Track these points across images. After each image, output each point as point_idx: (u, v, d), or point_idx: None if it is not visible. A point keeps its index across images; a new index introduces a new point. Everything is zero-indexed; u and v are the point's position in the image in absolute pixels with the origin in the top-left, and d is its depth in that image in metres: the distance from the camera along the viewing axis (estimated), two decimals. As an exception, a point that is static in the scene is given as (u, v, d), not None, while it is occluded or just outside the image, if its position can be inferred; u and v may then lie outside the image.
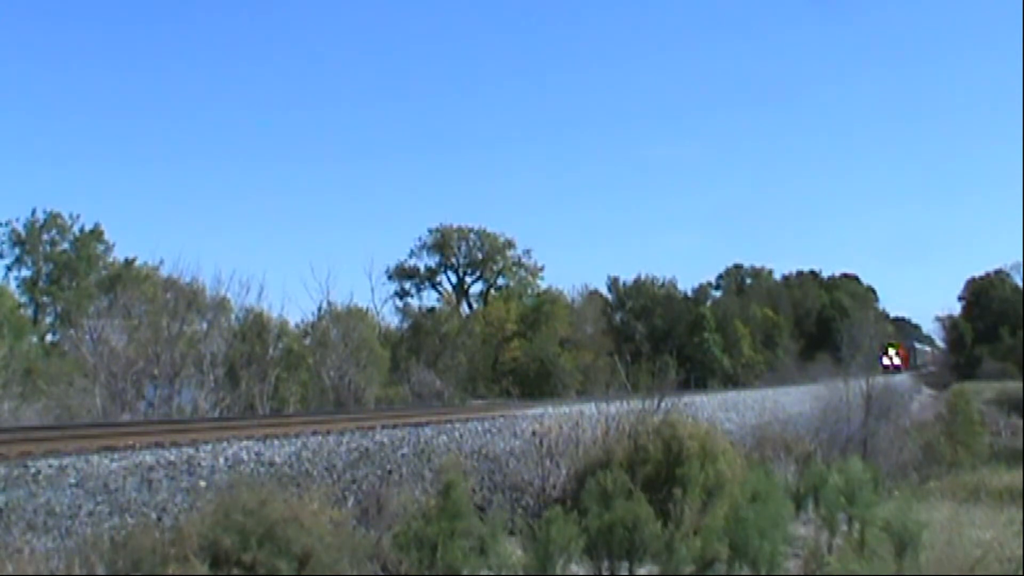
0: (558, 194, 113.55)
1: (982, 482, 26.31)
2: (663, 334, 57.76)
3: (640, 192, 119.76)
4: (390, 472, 13.34)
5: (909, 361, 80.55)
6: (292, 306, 52.15)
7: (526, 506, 14.56)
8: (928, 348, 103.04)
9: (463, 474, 11.56)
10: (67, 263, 36.80)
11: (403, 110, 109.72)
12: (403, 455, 14.07)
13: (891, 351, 69.10)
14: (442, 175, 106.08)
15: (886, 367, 58.87)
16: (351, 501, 11.88)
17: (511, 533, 11.66)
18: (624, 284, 63.47)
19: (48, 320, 36.61)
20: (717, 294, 75.10)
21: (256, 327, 29.66)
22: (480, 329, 44.81)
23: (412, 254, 55.04)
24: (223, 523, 8.21)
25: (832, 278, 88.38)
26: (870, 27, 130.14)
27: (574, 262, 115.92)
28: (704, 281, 74.41)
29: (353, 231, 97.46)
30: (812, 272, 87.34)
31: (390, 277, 53.55)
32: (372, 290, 51.60)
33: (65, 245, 37.29)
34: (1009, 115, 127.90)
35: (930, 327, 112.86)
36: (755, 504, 13.30)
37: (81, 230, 37.47)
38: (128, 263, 37.03)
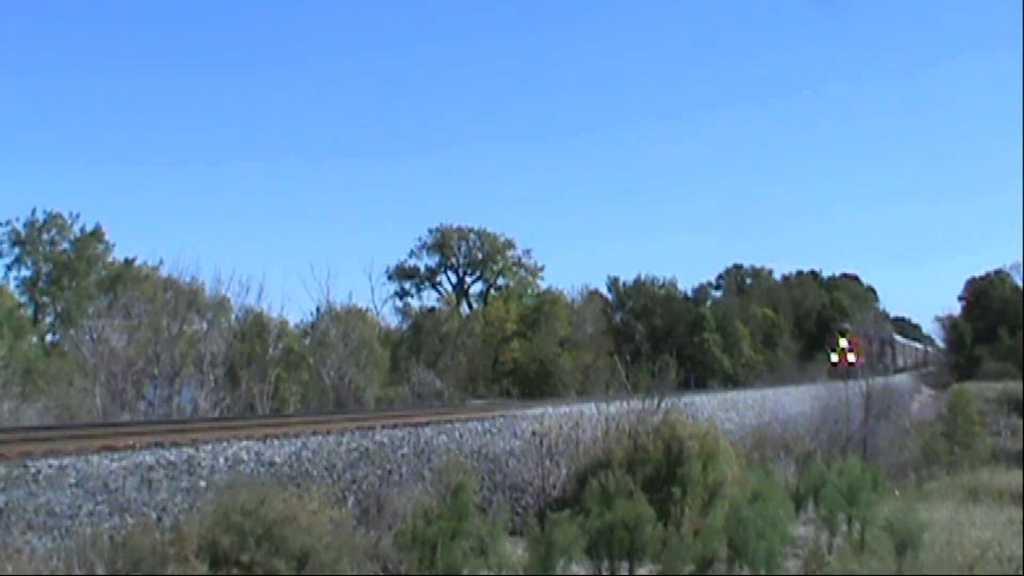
0: (558, 194, 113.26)
1: (982, 482, 26.32)
2: (663, 334, 57.64)
3: (640, 192, 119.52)
4: (390, 472, 13.34)
5: (869, 357, 52.23)
6: (292, 306, 52.27)
7: (526, 506, 14.57)
8: (920, 346, 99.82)
9: (464, 474, 11.55)
10: (67, 263, 36.73)
11: (402, 110, 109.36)
12: (403, 455, 14.07)
13: (842, 342, 50.36)
14: (442, 175, 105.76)
15: (835, 364, 45.56)
16: (351, 501, 11.88)
17: (511, 533, 11.66)
18: (624, 284, 63.37)
19: (48, 320, 36.56)
20: (717, 294, 74.99)
21: (256, 327, 29.67)
22: (480, 329, 44.79)
23: (412, 254, 55.07)
24: (222, 523, 8.21)
25: (832, 278, 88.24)
26: (871, 27, 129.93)
27: (574, 262, 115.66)
28: (704, 281, 74.37)
29: (353, 231, 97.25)
30: (812, 272, 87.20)
31: (390, 277, 53.58)
32: (372, 290, 51.56)
33: (65, 245, 37.20)
34: (1009, 115, 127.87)
35: (930, 327, 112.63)
36: (755, 504, 13.30)
37: (81, 230, 37.40)
38: (128, 263, 36.95)
